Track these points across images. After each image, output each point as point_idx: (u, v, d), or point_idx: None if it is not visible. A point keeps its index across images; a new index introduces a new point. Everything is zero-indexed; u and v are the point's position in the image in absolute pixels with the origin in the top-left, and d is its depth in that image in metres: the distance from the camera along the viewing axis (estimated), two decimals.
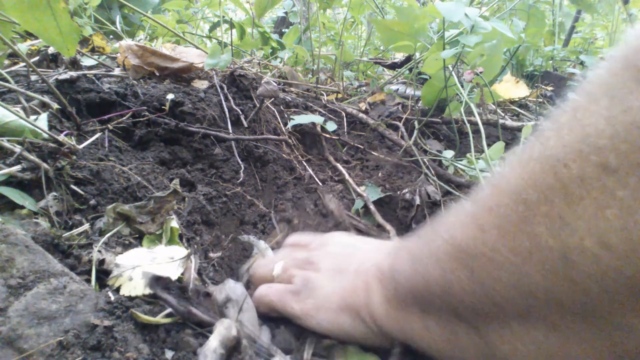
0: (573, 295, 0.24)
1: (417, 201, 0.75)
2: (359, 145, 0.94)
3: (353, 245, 0.49)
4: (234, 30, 1.37)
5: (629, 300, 0.22)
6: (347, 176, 0.83)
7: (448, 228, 0.32)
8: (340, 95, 1.17)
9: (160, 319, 0.37)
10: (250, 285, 0.51)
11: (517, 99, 1.41)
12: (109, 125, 0.64)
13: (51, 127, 0.56)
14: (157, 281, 0.39)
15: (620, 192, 0.21)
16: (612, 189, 0.21)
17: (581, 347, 0.26)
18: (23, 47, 0.82)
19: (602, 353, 0.25)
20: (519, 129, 0.97)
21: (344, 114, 1.00)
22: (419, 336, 0.35)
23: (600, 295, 0.23)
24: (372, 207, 0.76)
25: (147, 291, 0.39)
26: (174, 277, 0.41)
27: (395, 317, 0.37)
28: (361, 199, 0.77)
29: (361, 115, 1.01)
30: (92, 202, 0.49)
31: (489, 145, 0.77)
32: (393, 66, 1.36)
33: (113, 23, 1.28)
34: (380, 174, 0.85)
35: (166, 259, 0.43)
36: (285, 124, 0.87)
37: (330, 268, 0.45)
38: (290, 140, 0.86)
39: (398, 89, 1.20)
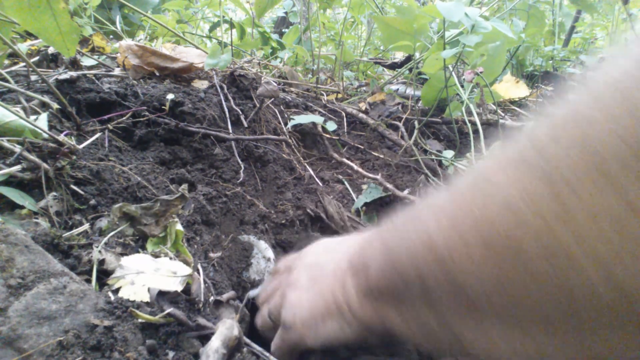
0: (562, 315, 0.23)
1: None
2: (359, 145, 0.94)
3: (330, 250, 0.47)
4: (234, 30, 1.37)
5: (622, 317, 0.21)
6: (355, 167, 0.84)
7: (426, 224, 0.30)
8: (340, 95, 1.17)
9: (160, 318, 0.37)
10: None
11: (517, 99, 1.41)
12: (109, 125, 0.64)
13: (51, 127, 0.56)
14: (162, 295, 0.39)
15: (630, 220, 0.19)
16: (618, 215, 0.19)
17: (557, 352, 0.25)
18: (23, 47, 0.82)
19: (575, 356, 0.24)
20: (519, 129, 0.97)
21: (344, 114, 1.00)
22: (395, 324, 0.35)
23: (593, 314, 0.22)
24: (386, 183, 0.78)
25: (147, 299, 0.38)
26: (178, 290, 0.41)
27: (370, 307, 0.36)
28: (375, 182, 0.78)
29: (361, 115, 1.01)
30: (92, 202, 0.49)
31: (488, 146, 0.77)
32: (393, 66, 1.37)
33: (113, 23, 1.28)
34: (380, 174, 0.85)
35: (169, 273, 0.42)
36: (285, 124, 0.87)
37: (306, 280, 0.44)
38: (290, 140, 0.86)
39: (398, 89, 1.20)
